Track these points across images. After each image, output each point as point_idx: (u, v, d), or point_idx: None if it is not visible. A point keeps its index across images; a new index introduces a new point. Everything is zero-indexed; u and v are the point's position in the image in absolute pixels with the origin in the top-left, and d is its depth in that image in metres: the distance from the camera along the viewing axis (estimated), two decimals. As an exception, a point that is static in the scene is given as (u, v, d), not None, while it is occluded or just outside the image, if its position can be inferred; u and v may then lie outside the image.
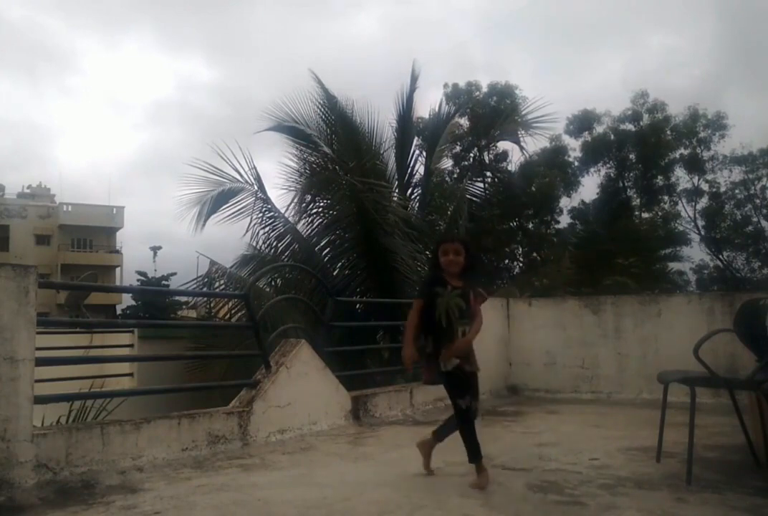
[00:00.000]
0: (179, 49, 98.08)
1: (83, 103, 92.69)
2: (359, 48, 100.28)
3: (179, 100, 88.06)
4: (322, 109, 10.75)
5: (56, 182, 57.09)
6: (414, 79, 11.11)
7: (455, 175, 13.74)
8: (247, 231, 10.02)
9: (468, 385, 3.20)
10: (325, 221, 10.47)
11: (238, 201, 10.17)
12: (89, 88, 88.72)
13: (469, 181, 12.41)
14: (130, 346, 9.35)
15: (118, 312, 37.45)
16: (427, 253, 10.81)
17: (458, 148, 19.21)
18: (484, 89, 22.16)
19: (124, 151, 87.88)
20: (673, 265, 23.39)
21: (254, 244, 10.28)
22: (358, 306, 10.01)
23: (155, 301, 27.49)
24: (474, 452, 3.15)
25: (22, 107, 79.62)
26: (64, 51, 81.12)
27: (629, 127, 24.27)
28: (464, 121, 14.30)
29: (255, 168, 10.13)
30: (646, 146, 23.37)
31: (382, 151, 10.99)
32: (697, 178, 25.09)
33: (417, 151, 11.48)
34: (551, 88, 52.06)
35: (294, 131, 10.73)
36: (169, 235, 68.53)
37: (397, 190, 10.78)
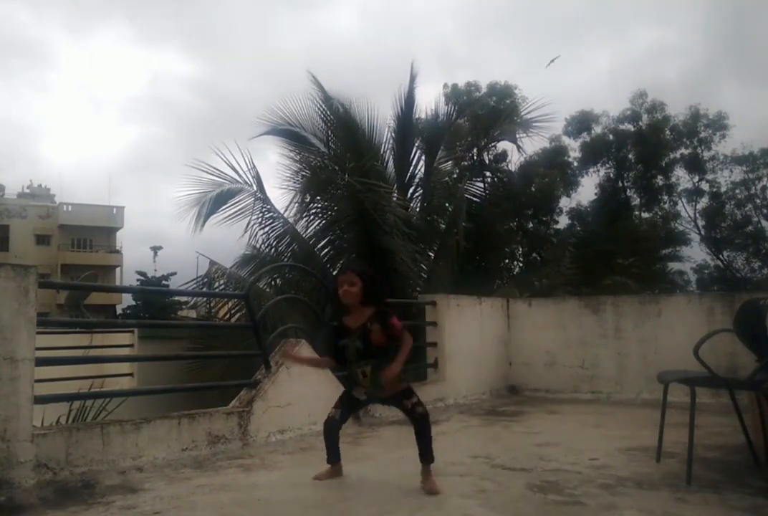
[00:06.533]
0: (159, 43, 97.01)
1: (65, 101, 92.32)
2: (345, 40, 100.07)
3: (167, 97, 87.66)
4: (320, 109, 10.77)
5: (47, 182, 56.52)
6: (413, 81, 11.11)
7: (455, 175, 13.73)
8: (246, 231, 10.05)
9: (345, 401, 3.28)
10: (324, 221, 10.49)
11: (238, 201, 10.20)
12: (68, 85, 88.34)
13: (468, 181, 12.37)
14: (130, 346, 9.36)
15: (118, 312, 37.49)
16: (429, 253, 10.83)
17: (458, 149, 19.25)
18: (484, 89, 22.21)
19: (117, 150, 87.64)
20: (673, 265, 23.41)
21: (254, 244, 10.31)
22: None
23: (155, 301, 27.50)
24: (327, 454, 3.29)
25: (4, 106, 79.13)
26: (39, 46, 79.66)
27: (628, 127, 24.28)
28: (463, 122, 14.29)
29: (254, 168, 10.16)
30: (646, 146, 23.37)
31: (382, 152, 11.00)
32: (697, 178, 25.11)
33: (417, 152, 11.49)
34: (541, 84, 52.06)
35: (289, 134, 10.74)
36: (167, 236, 68.54)
37: (396, 191, 10.78)
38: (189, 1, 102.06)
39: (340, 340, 3.19)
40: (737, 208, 25.33)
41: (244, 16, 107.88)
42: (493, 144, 16.62)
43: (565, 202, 23.96)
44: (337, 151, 10.93)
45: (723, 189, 25.28)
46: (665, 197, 25.00)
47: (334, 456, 3.30)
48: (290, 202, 10.25)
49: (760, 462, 3.46)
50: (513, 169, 21.65)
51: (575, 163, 24.39)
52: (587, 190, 24.50)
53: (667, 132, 23.93)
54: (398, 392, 3.17)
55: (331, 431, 3.29)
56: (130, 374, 8.55)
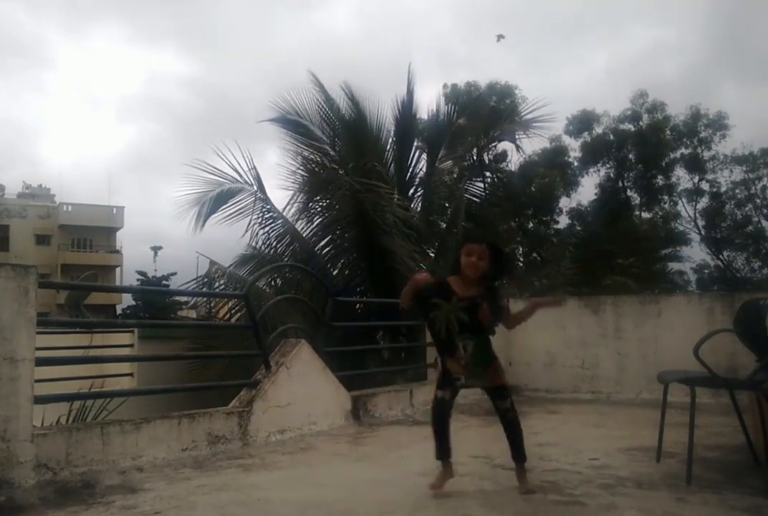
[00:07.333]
0: (157, 43, 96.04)
1: (64, 101, 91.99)
2: (344, 40, 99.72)
3: (166, 97, 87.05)
4: (320, 108, 10.77)
5: (47, 182, 56.07)
6: (411, 83, 11.11)
7: (455, 175, 13.75)
8: (246, 231, 10.04)
9: (448, 381, 3.05)
10: (324, 221, 10.49)
11: (238, 201, 10.20)
12: (67, 85, 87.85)
13: (468, 181, 12.38)
14: (130, 346, 9.35)
15: (118, 312, 37.51)
16: (430, 254, 10.82)
17: (459, 149, 19.23)
18: (484, 89, 22.21)
19: (116, 150, 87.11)
20: (673, 265, 23.41)
21: (254, 244, 10.30)
22: (358, 306, 10.01)
23: (155, 301, 27.50)
24: (435, 448, 3.04)
25: (3, 106, 78.67)
26: (37, 46, 78.40)
27: (629, 127, 24.29)
28: (464, 122, 14.33)
29: (255, 168, 10.15)
30: (646, 146, 23.38)
31: (386, 150, 11.01)
32: (697, 177, 25.12)
33: (418, 153, 11.50)
34: (541, 84, 52.11)
35: (296, 126, 10.73)
36: (167, 236, 68.49)
37: (396, 191, 10.77)
38: (188, 0, 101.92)
39: (434, 296, 2.97)
40: (737, 208, 25.35)
41: (243, 16, 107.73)
42: (493, 144, 16.64)
43: (565, 202, 24.02)
44: (341, 151, 10.93)
45: (723, 189, 25.34)
46: (665, 197, 25.04)
47: (446, 449, 3.00)
48: (290, 202, 10.26)
49: (760, 462, 3.46)
50: (513, 169, 21.70)
51: (575, 163, 24.41)
52: (587, 190, 24.56)
53: (668, 132, 23.95)
54: (500, 386, 3.05)
55: (443, 415, 3.04)
56: (130, 374, 8.54)
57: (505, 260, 3.09)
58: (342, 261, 10.55)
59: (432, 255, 10.93)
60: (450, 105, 12.87)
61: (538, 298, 3.02)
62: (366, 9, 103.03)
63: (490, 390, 3.10)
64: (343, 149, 10.87)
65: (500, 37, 18.20)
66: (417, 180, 11.49)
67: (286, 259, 10.15)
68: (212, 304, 10.72)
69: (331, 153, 10.98)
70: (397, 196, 10.18)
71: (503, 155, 21.49)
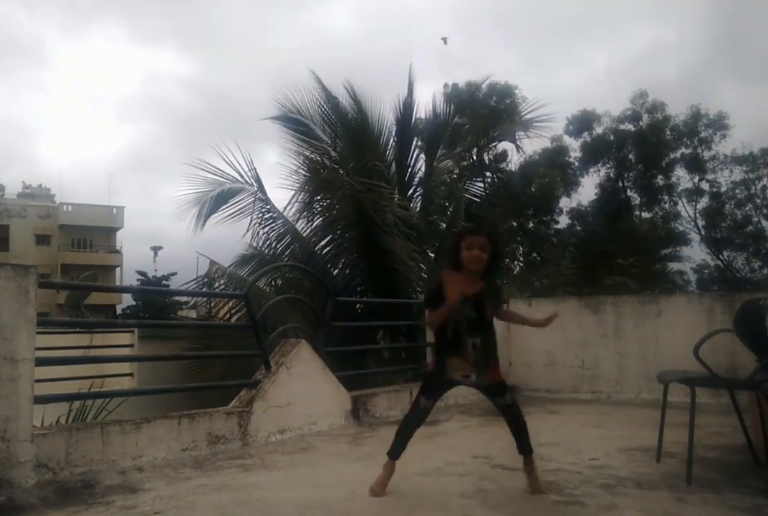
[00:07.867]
0: (157, 43, 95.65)
1: (64, 101, 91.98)
2: (344, 39, 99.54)
3: (166, 97, 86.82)
4: (323, 109, 10.77)
5: (47, 182, 55.83)
6: (411, 84, 11.13)
7: (455, 175, 13.77)
8: (247, 231, 10.05)
9: (436, 389, 3.09)
10: (325, 221, 10.49)
11: (238, 201, 10.20)
12: (67, 85, 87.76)
13: (468, 181, 12.39)
14: (130, 346, 9.36)
15: (118, 312, 37.52)
16: (429, 253, 10.82)
17: (458, 149, 19.27)
18: (484, 89, 22.23)
19: (116, 150, 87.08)
20: (673, 265, 23.44)
21: (254, 244, 10.31)
22: (358, 306, 10.01)
23: (155, 301, 27.52)
24: (392, 445, 3.07)
25: (3, 106, 78.46)
26: (37, 46, 78.14)
27: (629, 127, 24.30)
28: (464, 121, 14.35)
29: (255, 168, 10.16)
30: (646, 146, 23.39)
31: (387, 150, 11.01)
32: (697, 178, 25.13)
33: (417, 152, 11.50)
34: (541, 84, 52.09)
35: (297, 124, 10.73)
36: (167, 236, 68.47)
37: (397, 191, 10.78)
38: (188, 0, 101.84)
39: (443, 300, 2.87)
40: (737, 208, 25.36)
41: (243, 16, 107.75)
42: (493, 144, 16.64)
43: (565, 202, 24.06)
44: (342, 151, 10.93)
45: (723, 189, 25.35)
46: (665, 197, 25.06)
47: (400, 451, 3.06)
48: (291, 201, 10.26)
49: (760, 462, 3.46)
50: (513, 169, 21.72)
51: (575, 163, 24.43)
52: (587, 190, 24.60)
53: (668, 132, 23.97)
54: (498, 382, 3.03)
55: (417, 423, 3.08)
56: (130, 374, 8.54)
57: (500, 252, 3.10)
58: (342, 261, 10.55)
59: (432, 255, 10.93)
60: (450, 105, 12.86)
61: (544, 319, 3.05)
62: (366, 9, 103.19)
63: (489, 388, 3.08)
64: (344, 149, 10.87)
65: (444, 39, 20.45)
66: (416, 180, 11.50)
67: (286, 259, 10.15)
68: (212, 304, 10.73)
69: (332, 153, 10.98)
70: (397, 196, 10.18)
71: (503, 155, 21.52)
